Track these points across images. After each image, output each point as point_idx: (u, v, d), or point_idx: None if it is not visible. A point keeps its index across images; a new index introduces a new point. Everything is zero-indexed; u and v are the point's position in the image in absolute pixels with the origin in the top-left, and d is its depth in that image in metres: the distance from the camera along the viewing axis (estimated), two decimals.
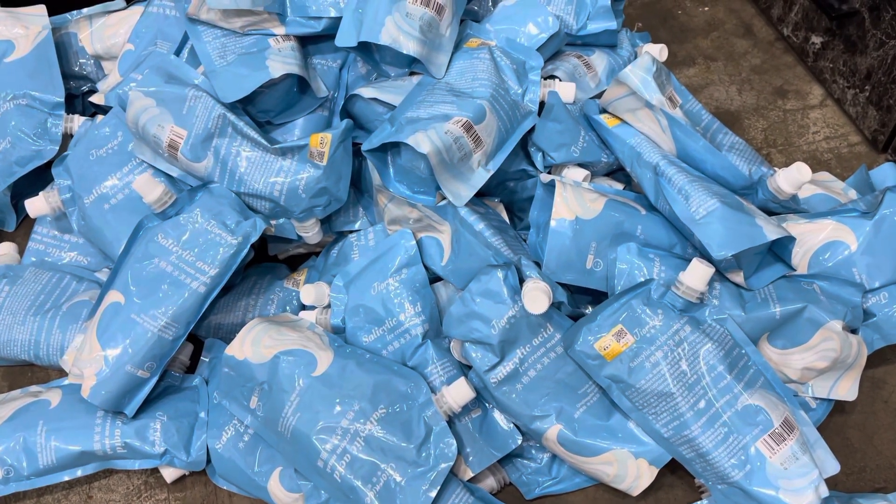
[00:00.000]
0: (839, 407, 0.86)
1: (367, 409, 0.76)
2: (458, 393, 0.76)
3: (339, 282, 0.86)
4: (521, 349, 0.78)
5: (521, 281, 0.78)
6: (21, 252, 1.00)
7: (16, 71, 1.01)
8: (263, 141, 0.85)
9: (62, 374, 0.90)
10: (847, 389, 0.82)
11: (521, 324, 0.77)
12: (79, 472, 0.82)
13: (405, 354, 0.82)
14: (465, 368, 0.83)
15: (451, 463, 0.74)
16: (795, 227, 0.86)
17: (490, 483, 0.82)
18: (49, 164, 0.97)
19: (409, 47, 0.85)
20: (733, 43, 1.26)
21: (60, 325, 0.89)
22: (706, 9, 1.31)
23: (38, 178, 1.03)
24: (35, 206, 0.94)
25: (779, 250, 0.82)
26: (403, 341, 0.82)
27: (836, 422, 0.86)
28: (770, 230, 0.77)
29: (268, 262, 0.98)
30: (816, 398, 0.83)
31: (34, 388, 0.89)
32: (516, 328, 0.77)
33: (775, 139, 1.13)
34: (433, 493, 0.73)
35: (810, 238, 0.85)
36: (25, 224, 1.07)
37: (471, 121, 0.81)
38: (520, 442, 0.80)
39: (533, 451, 0.83)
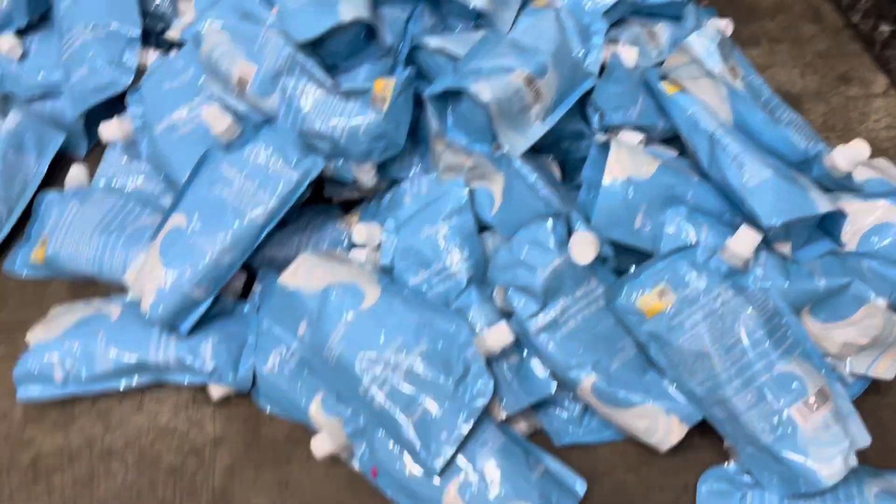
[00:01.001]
0: (874, 387, 0.86)
1: (409, 344, 0.79)
2: (498, 335, 0.79)
3: (391, 224, 0.89)
4: (564, 299, 0.80)
5: (570, 233, 0.80)
6: (90, 177, 1.05)
7: (97, 1, 1.05)
8: (329, 83, 0.88)
9: (122, 291, 0.95)
10: (886, 368, 0.82)
11: (566, 274, 0.79)
12: (133, 382, 0.87)
13: (449, 298, 0.85)
14: (506, 318, 0.85)
15: (487, 400, 0.77)
16: (848, 205, 0.86)
17: (522, 427, 0.84)
18: (120, 98, 1.02)
19: (477, 2, 0.86)
20: (800, 27, 1.25)
21: (124, 244, 0.93)
22: None
23: (111, 110, 1.08)
24: (109, 129, 0.98)
25: (829, 226, 0.82)
26: (449, 285, 0.85)
27: (870, 401, 0.86)
28: (822, 203, 0.77)
29: (323, 204, 1.01)
30: (853, 374, 0.83)
31: (97, 301, 0.94)
32: (560, 278, 0.79)
33: (834, 124, 1.12)
34: (467, 428, 0.76)
35: (862, 218, 0.85)
36: (95, 151, 1.11)
37: (533, 74, 0.83)
38: (553, 390, 0.82)
39: (566, 401, 0.85)
